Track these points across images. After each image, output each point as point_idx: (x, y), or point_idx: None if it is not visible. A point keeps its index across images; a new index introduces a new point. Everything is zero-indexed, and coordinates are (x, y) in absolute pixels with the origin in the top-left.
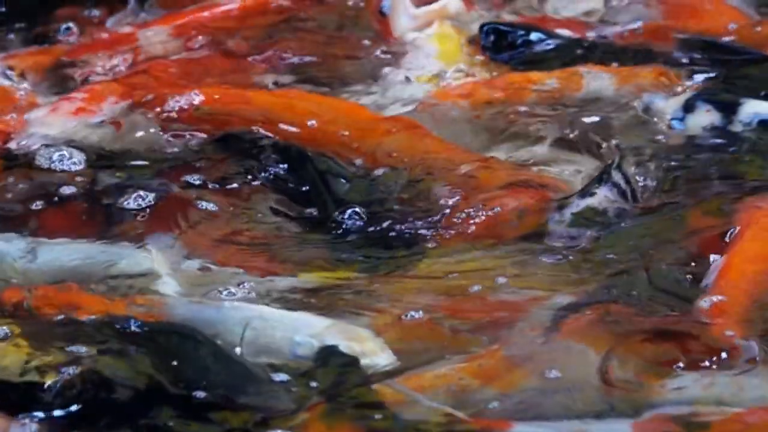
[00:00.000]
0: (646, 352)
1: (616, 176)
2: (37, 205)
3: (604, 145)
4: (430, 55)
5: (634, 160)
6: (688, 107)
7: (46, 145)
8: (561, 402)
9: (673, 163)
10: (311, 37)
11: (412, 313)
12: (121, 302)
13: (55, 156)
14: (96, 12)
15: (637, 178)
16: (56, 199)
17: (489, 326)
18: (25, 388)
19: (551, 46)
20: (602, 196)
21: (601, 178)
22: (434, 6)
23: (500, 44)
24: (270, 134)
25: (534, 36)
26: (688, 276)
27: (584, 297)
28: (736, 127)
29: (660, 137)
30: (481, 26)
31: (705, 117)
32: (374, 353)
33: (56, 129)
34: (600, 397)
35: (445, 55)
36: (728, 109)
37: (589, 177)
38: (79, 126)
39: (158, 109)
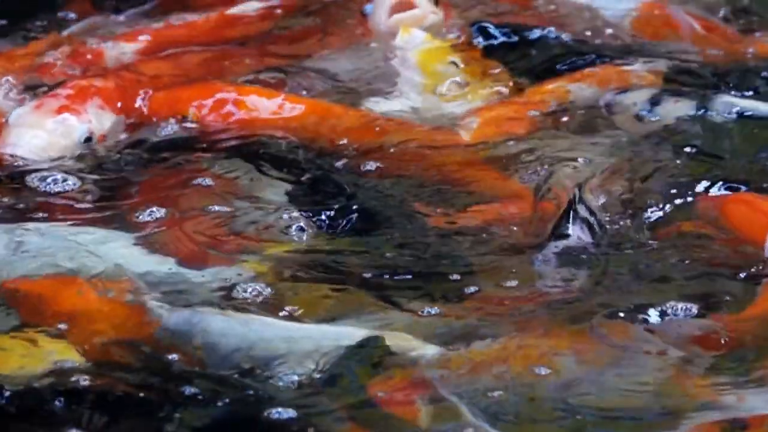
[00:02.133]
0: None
1: (582, 211)
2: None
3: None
4: (414, 70)
5: (610, 176)
6: (656, 102)
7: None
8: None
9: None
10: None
11: (428, 309)
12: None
13: (49, 179)
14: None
15: (599, 206)
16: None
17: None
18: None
19: (543, 46)
20: (576, 236)
21: (569, 216)
22: (408, 14)
23: (492, 44)
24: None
25: (526, 35)
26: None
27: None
28: (715, 120)
29: (640, 140)
30: (472, 24)
31: (675, 109)
32: (421, 347)
33: (41, 131)
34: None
35: (430, 71)
36: (700, 105)
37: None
38: (67, 139)
39: (151, 113)
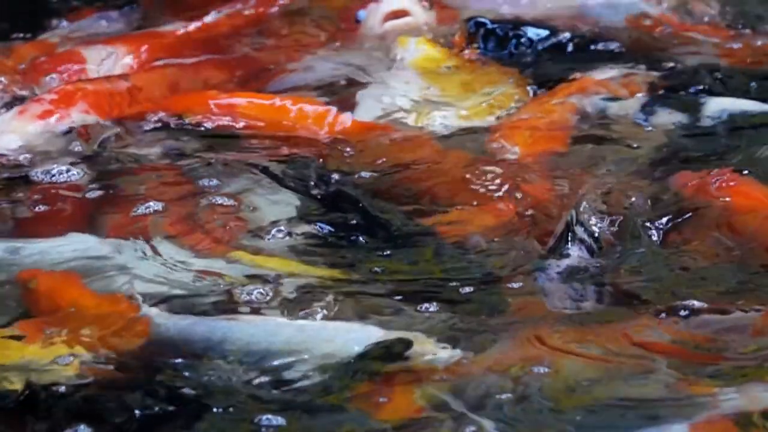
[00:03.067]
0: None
1: (580, 232)
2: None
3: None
4: (409, 77)
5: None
6: (648, 111)
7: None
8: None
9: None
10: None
11: (426, 305)
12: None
13: (55, 170)
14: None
15: (597, 224)
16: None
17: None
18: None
19: (540, 42)
20: (576, 256)
21: (568, 237)
22: (402, 21)
23: (489, 39)
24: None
25: (523, 31)
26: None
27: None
28: (705, 123)
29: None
30: (468, 19)
31: (668, 118)
32: (436, 351)
33: (23, 134)
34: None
35: (425, 77)
36: (691, 108)
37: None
38: (48, 134)
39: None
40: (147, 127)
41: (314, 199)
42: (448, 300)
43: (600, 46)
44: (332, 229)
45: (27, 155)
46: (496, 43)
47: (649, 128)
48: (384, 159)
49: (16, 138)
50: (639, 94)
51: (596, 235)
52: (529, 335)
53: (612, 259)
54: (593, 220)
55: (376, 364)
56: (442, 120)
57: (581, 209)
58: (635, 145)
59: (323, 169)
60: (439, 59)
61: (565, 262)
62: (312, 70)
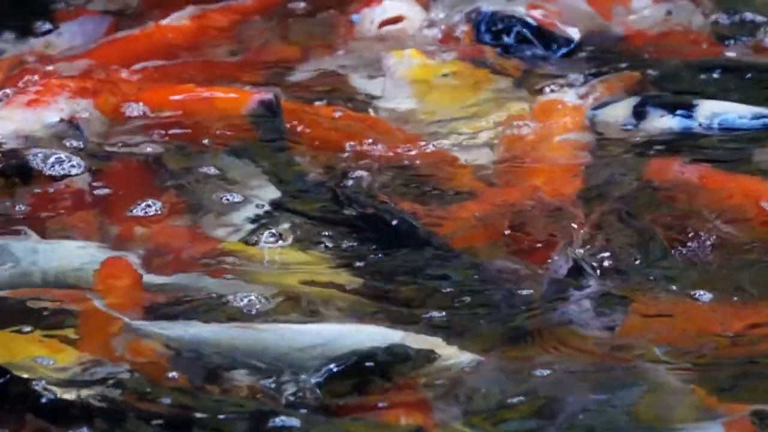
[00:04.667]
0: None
1: (586, 267)
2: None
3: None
4: (404, 87)
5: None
6: (639, 114)
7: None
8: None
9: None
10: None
11: (434, 313)
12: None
13: (52, 159)
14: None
15: (592, 253)
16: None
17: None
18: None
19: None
20: (593, 285)
21: (578, 271)
22: (398, 27)
23: (490, 33)
24: None
25: (522, 28)
26: None
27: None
28: (699, 131)
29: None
30: (470, 12)
31: (660, 122)
32: (456, 355)
33: (11, 121)
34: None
35: (421, 86)
36: (684, 112)
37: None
38: (36, 122)
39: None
40: (132, 123)
41: (324, 205)
42: (460, 305)
43: (593, 46)
44: (339, 235)
45: (17, 140)
46: (495, 34)
47: (641, 133)
48: (390, 162)
49: (4, 125)
50: (630, 98)
51: (593, 262)
52: (549, 341)
53: (614, 277)
54: (588, 249)
55: (395, 367)
56: (440, 132)
57: (575, 245)
58: (628, 151)
59: (332, 174)
60: (433, 69)
61: (588, 292)
62: (304, 71)
